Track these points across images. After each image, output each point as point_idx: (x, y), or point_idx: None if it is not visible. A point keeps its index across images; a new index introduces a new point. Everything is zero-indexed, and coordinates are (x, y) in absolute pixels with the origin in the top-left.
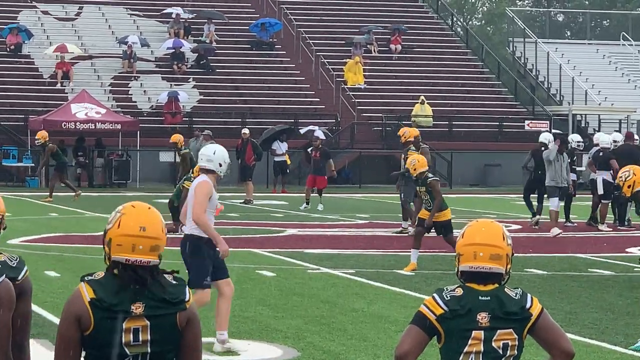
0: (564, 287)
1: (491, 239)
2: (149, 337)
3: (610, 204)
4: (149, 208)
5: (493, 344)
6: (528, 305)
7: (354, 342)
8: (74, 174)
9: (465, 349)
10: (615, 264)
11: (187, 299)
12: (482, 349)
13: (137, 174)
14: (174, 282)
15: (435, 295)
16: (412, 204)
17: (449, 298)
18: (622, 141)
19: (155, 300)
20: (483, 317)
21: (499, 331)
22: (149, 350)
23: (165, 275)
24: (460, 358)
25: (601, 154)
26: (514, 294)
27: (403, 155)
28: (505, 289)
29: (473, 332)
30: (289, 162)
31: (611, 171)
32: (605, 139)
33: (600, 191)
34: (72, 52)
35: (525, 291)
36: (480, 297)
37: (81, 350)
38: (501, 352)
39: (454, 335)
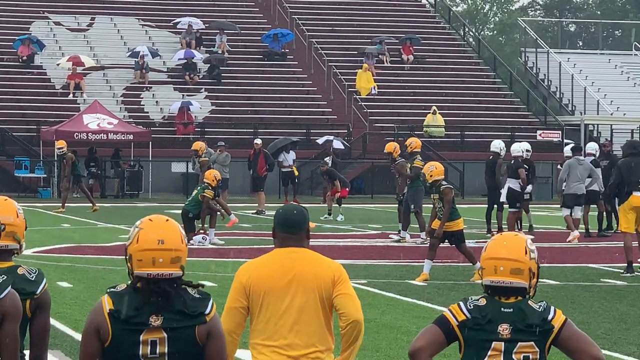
0: (576, 297)
1: (512, 254)
2: (166, 350)
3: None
4: (167, 220)
5: (513, 356)
6: (550, 317)
7: (367, 352)
8: (86, 185)
9: None
10: (627, 274)
11: (207, 312)
12: None
13: (149, 185)
14: (198, 295)
15: (460, 302)
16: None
17: (472, 307)
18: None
19: (174, 313)
20: (504, 329)
21: (519, 343)
22: None
23: (189, 289)
24: None
25: (512, 162)
26: (538, 306)
27: (409, 165)
28: (530, 302)
29: (493, 343)
30: (296, 172)
31: (519, 180)
32: (516, 147)
33: (503, 198)
34: (86, 64)
35: (549, 304)
36: (502, 309)
37: None
38: None
39: (474, 345)
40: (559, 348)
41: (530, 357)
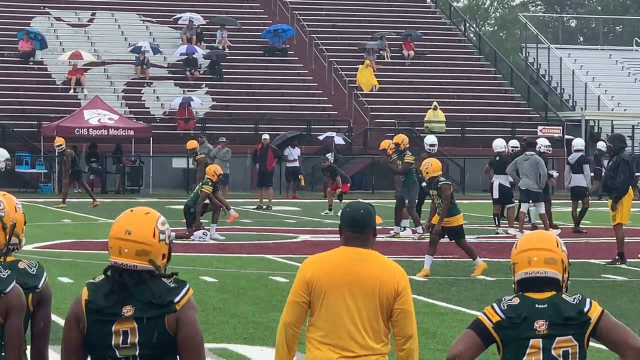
0: (577, 293)
1: (544, 244)
2: (137, 340)
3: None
4: (146, 213)
5: (553, 352)
6: (586, 309)
7: None
8: (86, 181)
9: (524, 359)
10: (627, 270)
11: (176, 300)
12: (541, 357)
13: (150, 180)
14: (173, 285)
15: (494, 304)
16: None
17: (505, 307)
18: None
19: (143, 303)
20: (540, 325)
21: (557, 338)
22: (137, 352)
23: (164, 279)
24: None
25: (497, 158)
26: (572, 299)
27: (399, 162)
28: (563, 295)
29: (531, 340)
30: (303, 183)
31: (508, 176)
32: (500, 143)
33: (495, 195)
34: (86, 59)
35: (585, 296)
36: (536, 305)
37: (84, 353)
38: None
39: (512, 344)
40: (598, 340)
41: (570, 351)
